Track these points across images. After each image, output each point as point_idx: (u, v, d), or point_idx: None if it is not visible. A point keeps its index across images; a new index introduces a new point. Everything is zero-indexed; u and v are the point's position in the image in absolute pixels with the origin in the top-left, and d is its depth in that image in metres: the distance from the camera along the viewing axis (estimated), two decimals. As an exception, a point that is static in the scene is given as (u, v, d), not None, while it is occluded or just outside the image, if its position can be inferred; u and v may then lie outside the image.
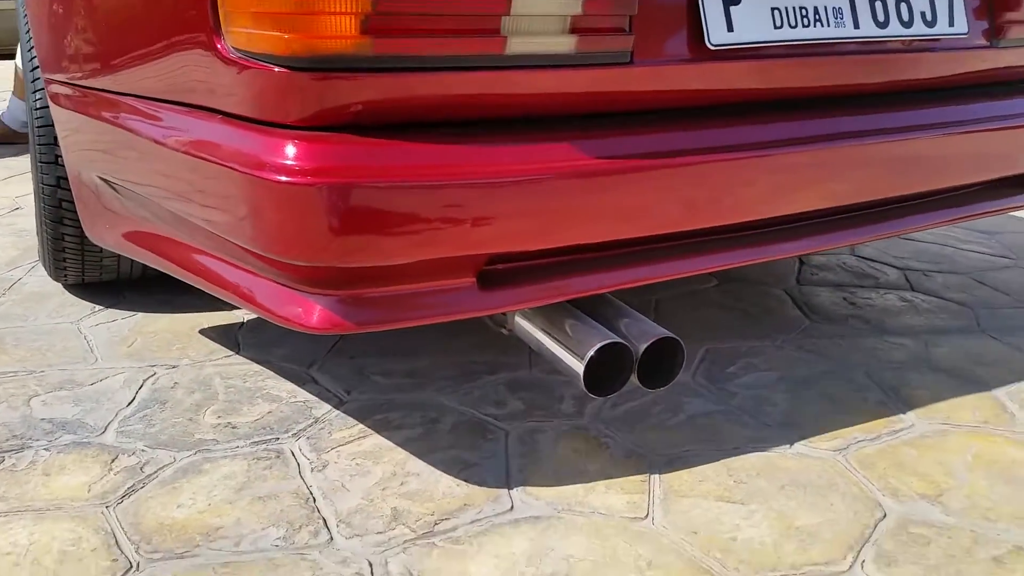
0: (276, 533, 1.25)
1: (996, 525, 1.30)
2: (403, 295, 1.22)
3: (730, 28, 1.36)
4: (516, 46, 1.21)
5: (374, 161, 1.15)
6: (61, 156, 1.78)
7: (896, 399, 1.68)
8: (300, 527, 1.27)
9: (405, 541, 1.24)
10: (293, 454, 1.45)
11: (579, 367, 1.30)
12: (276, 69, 1.15)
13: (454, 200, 1.19)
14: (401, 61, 1.17)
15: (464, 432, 1.53)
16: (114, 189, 1.59)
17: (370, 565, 1.19)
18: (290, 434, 1.51)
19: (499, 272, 1.31)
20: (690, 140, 1.40)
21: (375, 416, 1.57)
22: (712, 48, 1.37)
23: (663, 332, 1.36)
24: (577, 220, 1.29)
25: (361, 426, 1.54)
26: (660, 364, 1.39)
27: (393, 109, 1.20)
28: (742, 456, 1.47)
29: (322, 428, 1.53)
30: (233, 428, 1.52)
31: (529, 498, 1.34)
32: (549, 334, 1.39)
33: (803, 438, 1.53)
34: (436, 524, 1.28)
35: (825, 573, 1.20)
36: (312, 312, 1.19)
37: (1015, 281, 2.38)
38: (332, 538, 1.24)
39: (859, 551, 1.24)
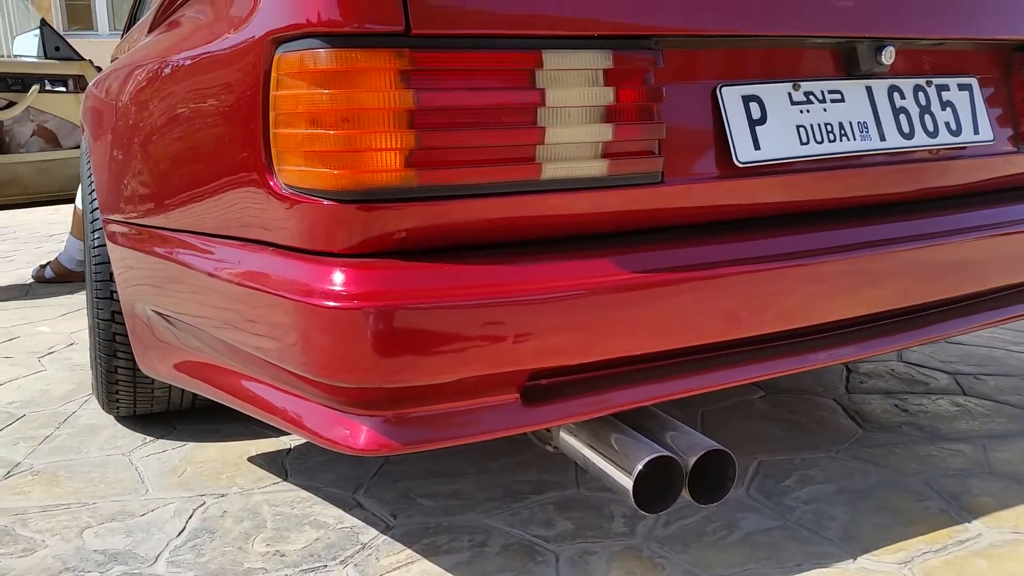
0: (326, 665, 1.22)
1: (1082, 640, 1.23)
2: (448, 413, 1.23)
3: (757, 146, 1.41)
4: (551, 171, 1.26)
5: (417, 284, 1.19)
6: (116, 292, 1.86)
7: (959, 507, 1.62)
8: (350, 658, 1.24)
9: (458, 670, 1.20)
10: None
11: (628, 482, 1.29)
12: (326, 203, 1.21)
13: (495, 318, 1.22)
14: (443, 191, 1.22)
15: (513, 555, 1.50)
16: (167, 321, 1.64)
17: None
18: (338, 561, 1.49)
19: (542, 387, 1.32)
20: (723, 252, 1.43)
21: (422, 541, 1.55)
22: (740, 166, 1.41)
23: (712, 444, 1.34)
24: (616, 333, 1.30)
25: (409, 551, 1.52)
26: (711, 478, 1.37)
27: (435, 235, 1.25)
28: (804, 574, 1.42)
29: (369, 554, 1.51)
30: (282, 556, 1.51)
31: (584, 622, 1.30)
32: (595, 449, 1.38)
33: (866, 551, 1.48)
34: (489, 651, 1.24)
35: None
36: (359, 434, 1.21)
37: (1072, 382, 2.32)
38: (383, 669, 1.21)
39: (936, 672, 1.17)
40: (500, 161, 1.23)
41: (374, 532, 1.59)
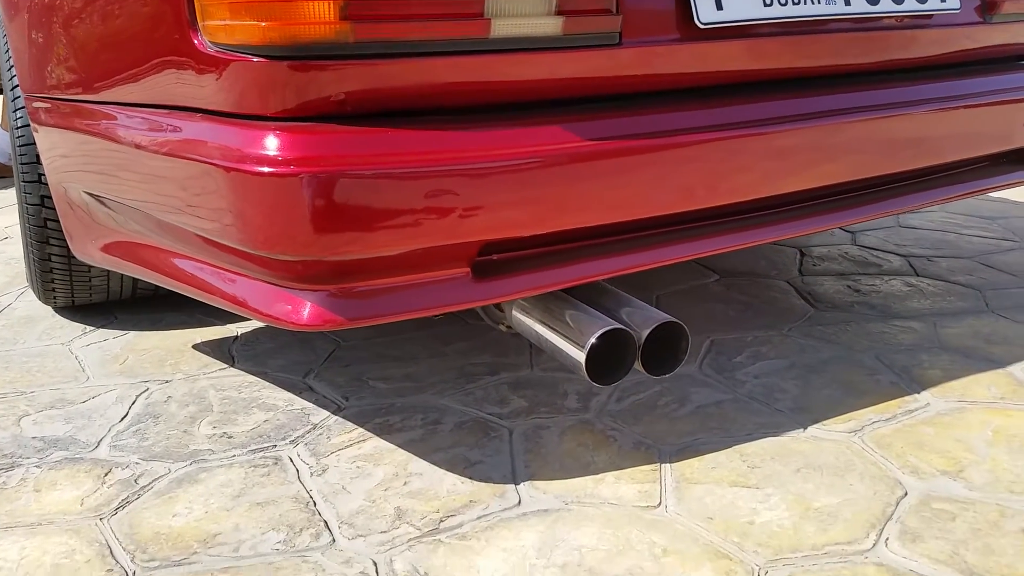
0: (276, 537, 1.21)
1: (1023, 498, 1.25)
2: (395, 288, 1.19)
3: (719, 6, 1.34)
4: (500, 29, 1.18)
5: (359, 149, 1.12)
6: (44, 175, 1.75)
7: (909, 380, 1.64)
8: (301, 530, 1.22)
9: (410, 539, 1.19)
10: (291, 460, 1.41)
11: (581, 356, 1.26)
12: (255, 60, 1.13)
13: (443, 187, 1.16)
14: (383, 47, 1.14)
15: (467, 432, 1.48)
16: (100, 202, 1.55)
17: (375, 564, 1.14)
18: (288, 441, 1.47)
19: (493, 262, 1.28)
20: (681, 121, 1.37)
21: (375, 420, 1.53)
22: (701, 27, 1.34)
23: (666, 317, 1.32)
24: (570, 205, 1.26)
25: (361, 430, 1.49)
26: (664, 350, 1.35)
27: (377, 97, 1.17)
28: (754, 442, 1.43)
29: (320, 434, 1.48)
30: (229, 438, 1.48)
31: (537, 492, 1.30)
32: (548, 325, 1.35)
33: (816, 422, 1.49)
34: (441, 521, 1.23)
35: (848, 552, 1.15)
36: (302, 308, 1.16)
37: (1020, 263, 2.35)
38: (334, 539, 1.20)
39: (882, 528, 1.19)
40: (445, 16, 1.15)
41: (325, 413, 1.56)
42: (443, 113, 1.23)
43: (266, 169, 1.08)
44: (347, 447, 1.44)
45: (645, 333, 1.30)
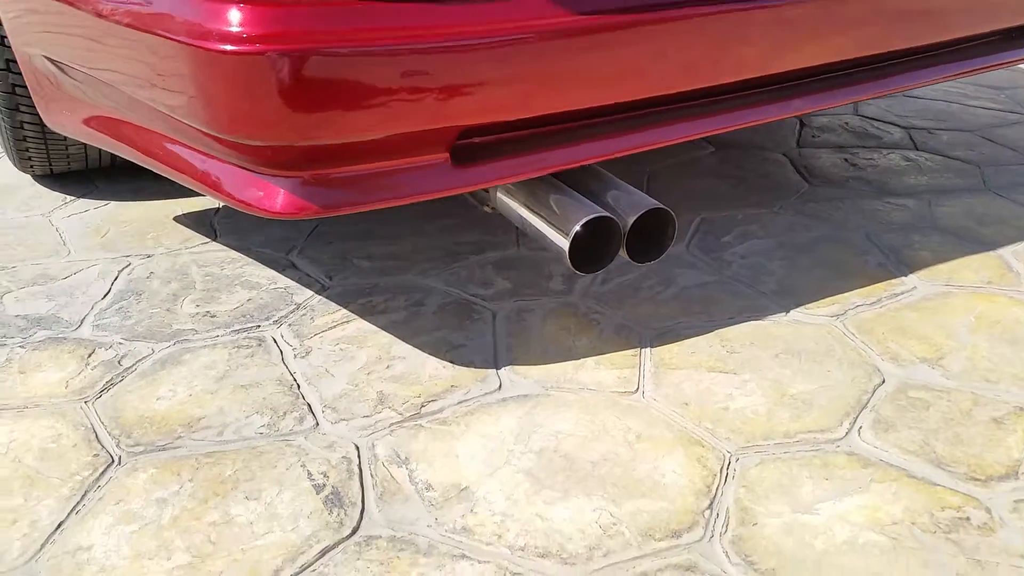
0: (260, 421, 1.23)
1: (997, 387, 1.27)
2: (372, 174, 1.15)
3: None
4: None
5: (328, 24, 1.05)
6: (7, 38, 1.66)
7: (897, 261, 1.63)
8: (284, 414, 1.24)
9: (392, 424, 1.21)
10: (275, 341, 1.41)
11: (564, 243, 1.24)
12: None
13: (421, 67, 1.10)
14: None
15: (450, 314, 1.48)
16: (63, 71, 1.48)
17: (357, 449, 1.17)
18: (271, 321, 1.47)
19: (474, 146, 1.23)
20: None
21: (358, 300, 1.52)
22: None
23: (653, 203, 1.29)
24: (552, 86, 1.20)
25: (344, 311, 1.49)
26: (650, 237, 1.33)
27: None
28: (736, 326, 1.43)
29: (304, 314, 1.48)
30: (212, 317, 1.48)
31: (517, 377, 1.31)
32: (533, 210, 1.32)
33: (799, 305, 1.49)
34: (423, 406, 1.25)
35: (819, 440, 1.17)
36: (275, 196, 1.12)
37: (1019, 137, 2.28)
38: (318, 423, 1.22)
39: (856, 417, 1.21)
40: None
41: (309, 293, 1.55)
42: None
43: (228, 47, 1.02)
44: (330, 328, 1.44)
45: (631, 220, 1.27)
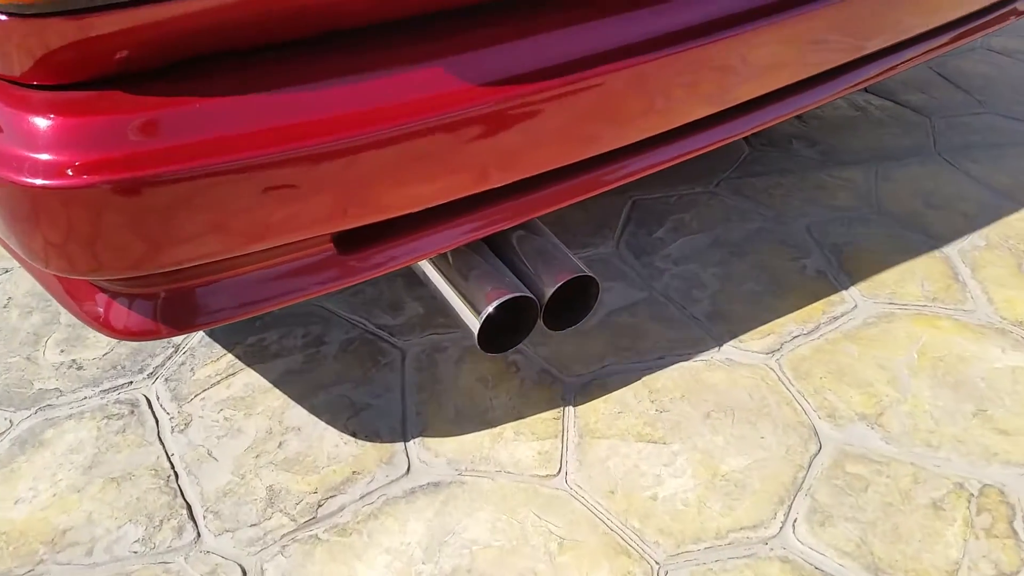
0: (134, 533, 1.08)
1: (937, 454, 1.20)
2: (240, 281, 0.95)
3: None
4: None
5: (156, 138, 0.81)
6: None
7: (838, 268, 1.51)
8: (161, 523, 1.10)
9: (284, 536, 1.08)
10: (150, 405, 1.24)
11: (475, 324, 1.08)
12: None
13: (278, 181, 0.87)
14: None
15: (353, 357, 1.32)
16: None
17: (243, 573, 1.04)
18: (145, 374, 1.29)
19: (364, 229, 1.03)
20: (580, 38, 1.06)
21: (247, 340, 1.35)
22: None
23: (575, 269, 1.12)
24: (447, 175, 0.98)
25: (230, 357, 1.32)
26: (571, 301, 1.18)
27: (172, 41, 0.83)
28: (666, 370, 1.31)
29: (183, 363, 1.31)
30: (79, 369, 1.29)
31: (428, 454, 1.18)
32: (442, 273, 1.15)
33: (734, 335, 1.37)
34: (320, 505, 1.12)
35: (753, 540, 1.09)
36: (118, 314, 0.92)
37: (975, 72, 2.12)
38: (199, 535, 1.08)
39: (791, 504, 1.13)
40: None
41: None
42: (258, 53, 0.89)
43: (22, 178, 0.78)
44: (214, 385, 1.27)
45: (550, 291, 1.11)
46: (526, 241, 1.18)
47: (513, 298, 1.07)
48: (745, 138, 1.85)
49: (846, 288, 1.47)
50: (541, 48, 1.00)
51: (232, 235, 0.86)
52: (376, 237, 1.00)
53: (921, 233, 1.59)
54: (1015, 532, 1.10)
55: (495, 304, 1.06)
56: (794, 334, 1.38)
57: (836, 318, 1.41)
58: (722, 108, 1.19)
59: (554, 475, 1.16)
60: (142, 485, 1.14)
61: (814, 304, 1.43)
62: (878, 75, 1.41)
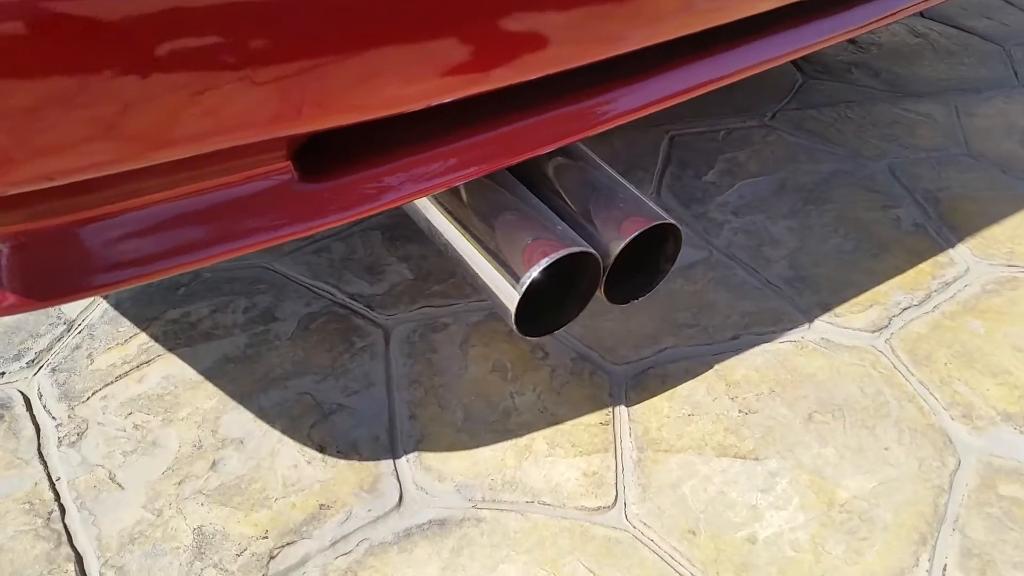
0: (-10, 606, 0.72)
1: (1114, 468, 0.89)
2: (151, 223, 0.58)
3: None
4: None
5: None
6: None
7: (938, 220, 1.19)
8: (34, 588, 0.73)
9: (220, 608, 0.73)
10: (29, 406, 0.87)
11: (512, 298, 0.73)
12: None
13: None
14: None
15: (317, 339, 0.96)
16: None
17: (160, 670, 0.69)
18: (24, 362, 0.91)
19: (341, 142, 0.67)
20: None
21: (167, 312, 0.97)
22: None
23: (654, 216, 0.78)
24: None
25: (143, 337, 0.95)
26: (639, 262, 0.83)
27: None
28: (745, 355, 0.98)
29: (77, 347, 0.93)
30: (-76, 355, 0.91)
31: (428, 477, 0.83)
32: (463, 225, 0.79)
33: (826, 308, 1.04)
34: (272, 557, 0.76)
35: (895, 601, 0.77)
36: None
37: (1051, -3, 1.81)
38: (93, 606, 0.72)
39: (935, 544, 0.81)
40: None
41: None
42: None
43: None
44: (121, 377, 0.90)
45: (617, 248, 0.76)
46: (569, 175, 0.83)
47: (568, 255, 0.72)
48: (795, 64, 1.52)
49: (953, 246, 1.15)
50: None
51: (122, 136, 0.49)
52: (358, 157, 0.64)
53: (1027, 179, 1.28)
54: None
55: (543, 265, 0.71)
56: (903, 305, 1.05)
57: (949, 284, 1.09)
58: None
59: (609, 507, 0.82)
60: (11, 524, 0.77)
61: (919, 266, 1.11)
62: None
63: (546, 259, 0.72)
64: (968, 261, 1.13)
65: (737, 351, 0.98)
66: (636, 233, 0.77)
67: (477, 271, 0.77)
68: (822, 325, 1.02)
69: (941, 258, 1.13)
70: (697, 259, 1.10)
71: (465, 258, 0.78)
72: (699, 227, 1.15)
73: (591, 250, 0.75)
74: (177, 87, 0.50)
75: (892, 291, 1.07)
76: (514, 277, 0.73)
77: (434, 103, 0.62)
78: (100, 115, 0.48)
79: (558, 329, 0.80)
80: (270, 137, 0.55)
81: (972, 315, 1.05)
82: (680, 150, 1.29)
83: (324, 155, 0.64)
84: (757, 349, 0.98)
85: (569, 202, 0.82)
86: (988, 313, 1.05)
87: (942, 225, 1.18)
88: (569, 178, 0.84)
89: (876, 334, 1.01)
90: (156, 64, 0.49)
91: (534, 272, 0.72)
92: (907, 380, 0.96)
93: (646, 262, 0.84)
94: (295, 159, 0.61)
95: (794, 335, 1.00)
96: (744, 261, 1.10)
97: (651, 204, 0.81)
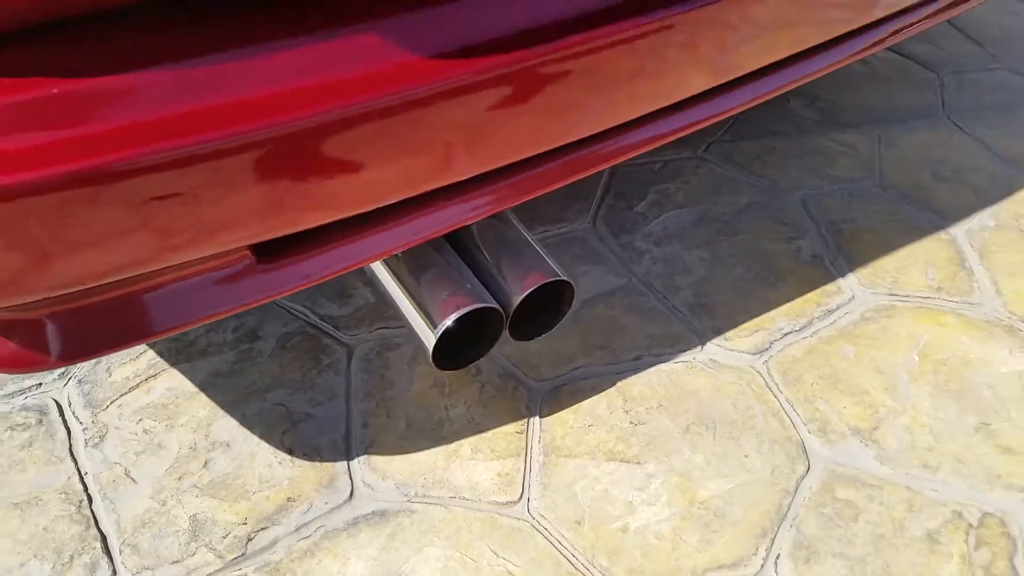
0: (40, 571, 0.96)
1: (935, 476, 1.09)
2: (145, 299, 0.80)
3: None
4: None
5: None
6: None
7: (835, 250, 1.37)
8: (72, 558, 0.97)
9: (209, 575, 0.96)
10: (62, 412, 1.10)
11: (430, 339, 0.94)
12: None
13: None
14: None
15: (293, 356, 1.18)
16: None
17: (162, 622, 0.93)
18: (56, 374, 1.14)
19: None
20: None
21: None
22: None
23: (550, 272, 0.98)
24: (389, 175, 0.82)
25: (150, 355, 1.17)
26: (541, 307, 1.03)
27: None
28: (643, 373, 1.18)
29: (99, 362, 1.16)
30: (-21, 368, 1.14)
31: (374, 476, 1.05)
32: (395, 275, 0.99)
33: (719, 332, 1.24)
34: (250, 539, 0.99)
35: (731, 581, 0.99)
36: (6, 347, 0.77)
37: (989, 21, 1.94)
38: (115, 572, 0.96)
39: (774, 538, 1.02)
40: None
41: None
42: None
43: None
44: (132, 390, 1.13)
45: (517, 300, 0.97)
46: (490, 233, 1.03)
47: (475, 310, 0.92)
48: (737, 93, 1.68)
49: (844, 275, 1.33)
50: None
51: (117, 255, 0.70)
52: (305, 241, 0.85)
53: (927, 210, 1.45)
54: (1015, 570, 1.00)
55: (453, 318, 0.91)
56: (785, 331, 1.25)
57: (831, 311, 1.28)
58: (719, 81, 1.03)
59: (515, 502, 1.04)
60: (51, 511, 1.00)
61: (808, 294, 1.30)
62: (893, 35, 1.24)
63: (456, 312, 0.93)
64: (855, 290, 1.31)
65: (637, 370, 1.18)
66: (533, 288, 0.97)
67: (406, 315, 0.98)
68: (712, 347, 1.22)
69: (830, 287, 1.32)
70: (617, 286, 1.30)
71: (397, 304, 0.99)
72: (624, 256, 1.35)
73: (495, 305, 0.95)
74: (172, 219, 0.71)
75: (779, 317, 1.26)
76: (432, 324, 0.94)
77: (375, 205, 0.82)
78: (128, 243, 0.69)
79: (473, 362, 1.01)
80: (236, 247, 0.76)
81: (846, 340, 1.24)
82: (619, 181, 1.48)
83: (278, 242, 0.84)
84: (654, 368, 1.19)
85: (485, 255, 1.02)
86: (861, 339, 1.24)
87: (839, 255, 1.37)
88: (487, 235, 1.04)
89: (757, 356, 1.21)
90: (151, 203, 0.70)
91: (447, 322, 0.93)
92: (775, 397, 1.16)
93: (549, 305, 1.04)
94: (252, 248, 0.82)
95: (687, 356, 1.21)
96: (657, 289, 1.30)
97: (551, 262, 1.01)
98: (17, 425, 1.09)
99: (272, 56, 0.71)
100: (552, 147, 0.89)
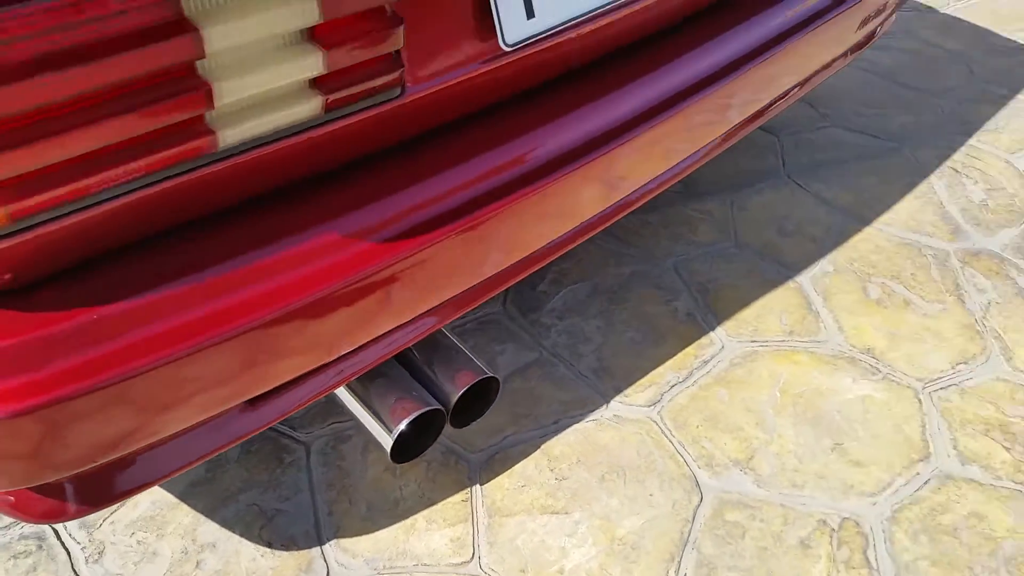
0: None
1: (803, 492, 1.35)
2: (150, 452, 0.97)
3: (531, 14, 1.01)
4: (231, 137, 0.84)
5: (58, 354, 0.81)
6: None
7: (705, 308, 1.64)
8: (89, 666, 1.11)
9: (216, 663, 1.13)
10: (58, 536, 1.24)
11: (387, 441, 1.14)
12: None
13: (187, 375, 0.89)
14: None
15: (258, 459, 1.35)
16: None
17: None
18: (48, 503, 1.28)
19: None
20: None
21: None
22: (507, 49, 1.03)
23: (478, 371, 1.19)
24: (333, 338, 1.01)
25: (134, 474, 1.32)
26: (472, 399, 1.25)
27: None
28: (562, 434, 1.41)
29: (86, 486, 1.30)
30: (-28, 505, 1.26)
31: (345, 556, 1.24)
32: (359, 398, 1.19)
33: (619, 390, 1.48)
34: (247, 625, 1.16)
35: (650, 602, 1.21)
36: (29, 500, 0.93)
37: (821, 86, 2.28)
38: (130, 672, 1.11)
39: (680, 561, 1.26)
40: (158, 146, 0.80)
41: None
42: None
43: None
44: (120, 506, 1.28)
45: (455, 397, 1.18)
46: (425, 344, 1.24)
47: (422, 413, 1.13)
48: (612, 173, 1.94)
49: (713, 329, 1.60)
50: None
51: (141, 431, 0.88)
52: (281, 385, 1.04)
53: (776, 263, 1.74)
54: (868, 561, 1.26)
55: (406, 422, 1.11)
56: (671, 383, 1.50)
57: (707, 361, 1.54)
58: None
59: (468, 561, 1.24)
60: (62, 628, 1.15)
61: (687, 349, 1.56)
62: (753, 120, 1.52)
63: (408, 417, 1.13)
64: (724, 340, 1.58)
65: (557, 432, 1.41)
66: (466, 387, 1.18)
67: (362, 421, 1.17)
68: (615, 404, 1.46)
69: (703, 340, 1.58)
70: (532, 360, 1.53)
71: (353, 412, 1.18)
72: (534, 331, 1.58)
73: (438, 406, 1.16)
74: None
75: (666, 371, 1.52)
76: (387, 428, 1.14)
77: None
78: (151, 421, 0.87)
79: (423, 453, 1.21)
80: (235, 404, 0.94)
81: (720, 385, 1.50)
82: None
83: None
84: (570, 429, 1.42)
85: (422, 361, 1.23)
86: (732, 383, 1.51)
87: (708, 312, 1.63)
88: (422, 343, 1.24)
89: (651, 407, 1.46)
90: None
91: (401, 427, 1.13)
92: (670, 441, 1.41)
93: (480, 395, 1.25)
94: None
95: (596, 415, 1.44)
96: (565, 358, 1.53)
97: (478, 361, 1.22)
98: (19, 553, 1.22)
99: (249, 264, 0.90)
100: (472, 284, 1.11)
